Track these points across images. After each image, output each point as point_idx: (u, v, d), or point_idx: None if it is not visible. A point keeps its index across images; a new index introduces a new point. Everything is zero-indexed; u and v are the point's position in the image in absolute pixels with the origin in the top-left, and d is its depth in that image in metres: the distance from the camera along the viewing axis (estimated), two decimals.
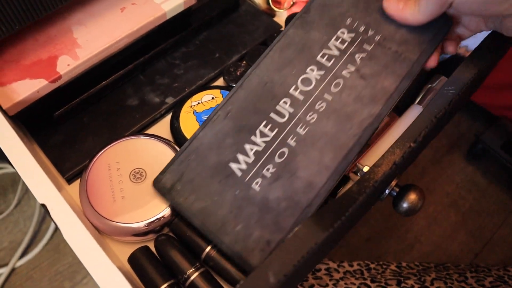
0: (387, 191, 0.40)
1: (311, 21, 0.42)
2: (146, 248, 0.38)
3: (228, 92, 0.46)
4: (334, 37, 0.41)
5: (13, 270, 0.91)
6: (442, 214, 1.05)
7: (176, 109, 0.45)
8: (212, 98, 0.46)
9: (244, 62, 0.50)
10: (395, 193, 0.40)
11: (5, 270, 0.89)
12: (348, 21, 0.41)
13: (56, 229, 0.97)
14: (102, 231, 0.39)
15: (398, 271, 0.71)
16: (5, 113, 0.40)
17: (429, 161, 1.16)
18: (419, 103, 0.46)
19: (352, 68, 0.39)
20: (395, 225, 1.05)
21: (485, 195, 1.12)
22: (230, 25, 0.53)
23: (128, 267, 0.37)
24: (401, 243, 1.06)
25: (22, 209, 0.99)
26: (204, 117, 0.44)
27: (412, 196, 0.39)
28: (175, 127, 0.44)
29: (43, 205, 0.32)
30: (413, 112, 0.43)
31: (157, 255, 0.38)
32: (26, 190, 1.01)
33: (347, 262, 0.58)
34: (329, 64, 0.40)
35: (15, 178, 1.03)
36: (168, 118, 0.47)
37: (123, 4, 0.48)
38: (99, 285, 0.30)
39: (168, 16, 0.49)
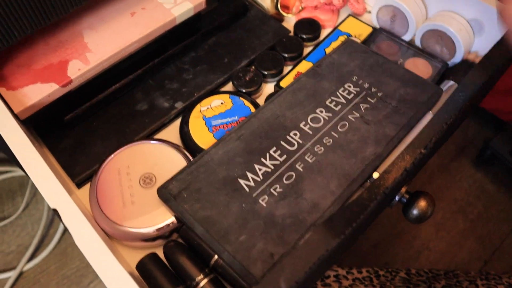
0: (397, 198, 0.40)
1: (322, 74, 0.47)
2: (155, 255, 0.38)
3: (237, 97, 0.47)
4: (341, 89, 0.46)
5: (21, 274, 0.91)
6: (450, 221, 1.04)
7: (185, 114, 0.45)
8: (222, 103, 0.46)
9: (253, 67, 0.50)
10: (405, 200, 0.40)
11: (13, 274, 0.89)
12: (354, 78, 0.47)
13: (64, 233, 0.97)
14: (112, 236, 0.39)
15: (408, 278, 0.70)
16: (16, 117, 0.40)
17: (437, 167, 1.16)
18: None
19: (357, 114, 0.43)
20: (402, 231, 1.04)
21: (494, 202, 1.11)
22: (238, 30, 0.54)
23: (137, 273, 0.37)
24: (409, 249, 1.05)
25: (30, 212, 0.99)
26: (214, 122, 0.44)
27: (422, 203, 0.39)
28: (184, 132, 0.44)
29: (54, 210, 0.32)
30: (424, 118, 0.43)
31: (165, 261, 0.38)
32: (34, 194, 1.01)
33: (356, 269, 0.58)
34: (337, 108, 0.44)
35: (23, 182, 1.03)
36: (177, 122, 0.47)
37: (133, 8, 0.48)
38: None
39: (178, 21, 0.49)
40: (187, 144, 0.43)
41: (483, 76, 0.40)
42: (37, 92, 0.42)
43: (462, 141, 1.19)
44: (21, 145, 0.35)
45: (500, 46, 0.42)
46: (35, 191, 1.02)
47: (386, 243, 1.04)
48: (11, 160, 0.85)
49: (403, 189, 0.40)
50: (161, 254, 0.38)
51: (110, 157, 0.41)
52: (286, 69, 0.52)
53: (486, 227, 1.10)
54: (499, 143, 1.04)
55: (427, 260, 1.01)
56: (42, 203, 1.00)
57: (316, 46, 0.53)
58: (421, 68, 0.50)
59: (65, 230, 0.96)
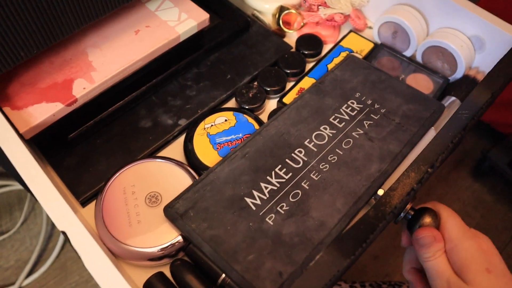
0: (402, 214, 0.40)
1: (325, 90, 0.47)
2: (161, 274, 0.38)
3: (240, 114, 0.47)
4: (345, 105, 0.46)
5: None
6: None
7: (189, 131, 0.45)
8: (225, 120, 0.46)
9: (256, 83, 0.50)
10: (410, 216, 0.40)
11: None
12: (357, 94, 0.47)
13: (63, 247, 0.96)
14: (118, 255, 0.39)
15: None
16: (21, 137, 0.40)
17: (436, 178, 1.16)
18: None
19: (361, 131, 0.43)
20: None
21: (492, 213, 1.11)
22: (241, 46, 0.54)
23: None
24: None
25: (29, 227, 0.99)
26: (218, 139, 0.44)
27: (427, 220, 0.39)
28: (189, 150, 0.44)
29: (63, 232, 0.32)
30: (427, 135, 0.44)
31: (172, 280, 0.38)
32: (32, 208, 1.01)
33: (359, 282, 0.58)
34: (341, 125, 0.44)
35: (21, 196, 1.03)
36: (181, 139, 0.47)
37: (137, 26, 0.48)
38: None
39: (182, 39, 0.49)
40: (192, 162, 0.44)
41: (486, 94, 0.40)
42: (42, 112, 0.42)
43: (460, 152, 1.20)
44: (27, 166, 0.35)
45: (502, 63, 0.43)
46: (33, 205, 1.02)
47: (387, 254, 1.04)
48: (13, 176, 0.84)
49: (408, 206, 0.40)
50: (168, 273, 0.38)
51: (115, 176, 0.41)
52: (289, 85, 0.52)
53: None
54: (497, 154, 1.06)
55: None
56: (40, 217, 0.99)
57: (318, 62, 0.53)
58: (422, 83, 0.51)
59: (64, 244, 0.96)
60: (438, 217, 0.39)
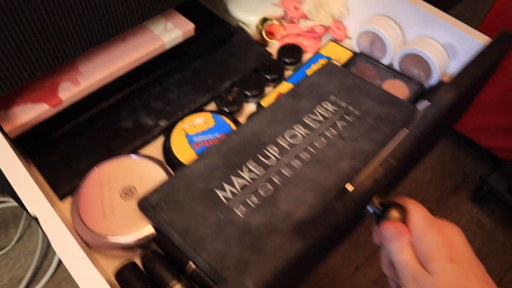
0: (371, 210, 0.40)
1: (301, 94, 0.49)
2: (133, 263, 0.38)
3: (219, 115, 0.48)
4: (320, 108, 0.47)
5: None
6: None
7: (168, 131, 0.47)
8: (204, 121, 0.47)
9: (236, 88, 0.52)
10: (378, 211, 0.40)
11: None
12: (333, 97, 0.48)
13: (58, 266, 0.96)
14: (91, 246, 0.39)
15: None
16: (6, 136, 0.42)
17: (435, 202, 1.16)
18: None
19: (334, 132, 0.45)
20: None
21: (491, 238, 1.10)
22: (224, 54, 0.56)
23: (115, 282, 0.38)
24: None
25: (24, 244, 0.97)
26: (196, 139, 0.46)
27: (394, 214, 0.39)
28: (166, 148, 0.45)
29: (35, 218, 0.33)
30: (398, 135, 0.45)
31: (143, 270, 0.38)
32: (28, 225, 1.00)
33: None
34: (315, 126, 0.45)
35: (17, 213, 1.01)
36: (161, 139, 0.49)
37: (124, 34, 0.51)
38: None
39: (167, 47, 0.52)
40: (169, 160, 0.45)
41: (452, 95, 0.41)
42: (28, 112, 0.44)
43: (460, 177, 1.19)
44: (6, 156, 0.36)
45: (468, 68, 0.44)
46: (29, 223, 1.00)
47: (386, 279, 1.03)
48: (2, 189, 0.85)
49: (377, 201, 0.40)
50: (139, 264, 0.39)
51: (92, 170, 0.43)
52: (268, 90, 0.54)
53: (484, 263, 1.07)
54: (496, 180, 1.06)
55: None
56: (36, 234, 0.98)
57: (297, 68, 0.55)
58: (399, 89, 0.52)
59: (60, 263, 0.95)
60: (406, 211, 0.39)
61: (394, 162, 0.37)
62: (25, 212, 0.99)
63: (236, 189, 0.40)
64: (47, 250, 0.97)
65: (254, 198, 0.39)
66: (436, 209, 1.12)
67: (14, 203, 1.01)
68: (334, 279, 0.99)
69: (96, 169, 0.43)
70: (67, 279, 0.94)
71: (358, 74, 0.53)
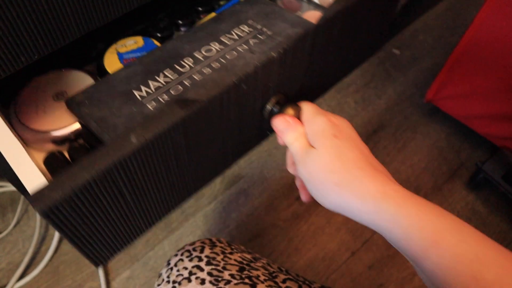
0: (269, 108, 0.46)
1: (222, 19, 0.54)
2: (60, 152, 0.45)
3: (149, 38, 0.55)
4: (237, 29, 0.53)
5: None
6: None
7: (103, 50, 0.54)
8: (135, 42, 0.54)
9: (167, 18, 0.59)
10: (276, 110, 0.45)
11: None
12: (250, 21, 0.54)
13: (56, 250, 0.94)
14: (27, 141, 0.46)
15: None
16: None
17: (430, 189, 1.14)
18: None
19: (246, 47, 0.50)
20: (397, 253, 1.01)
21: (485, 224, 1.08)
22: None
23: (44, 168, 0.44)
24: (403, 271, 1.01)
25: (22, 229, 0.97)
26: (125, 56, 0.52)
27: (289, 111, 0.43)
28: (99, 64, 0.52)
29: None
30: None
31: (69, 159, 0.45)
32: (25, 210, 0.99)
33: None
34: (229, 43, 0.51)
35: (14, 197, 1.00)
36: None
37: None
38: (20, 178, 0.38)
39: None
40: (101, 72, 0.52)
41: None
42: None
43: (455, 164, 1.18)
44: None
45: None
46: (26, 207, 0.99)
47: (381, 264, 1.02)
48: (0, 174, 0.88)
49: (274, 100, 0.45)
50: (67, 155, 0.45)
51: (32, 80, 0.49)
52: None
53: None
54: (492, 167, 1.06)
55: (421, 282, 0.97)
56: (33, 219, 0.97)
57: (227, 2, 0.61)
58: (316, 18, 0.57)
59: (58, 247, 0.95)
60: (300, 109, 0.42)
61: (275, 54, 0.42)
62: (22, 197, 0.98)
63: (151, 89, 0.46)
64: (45, 234, 0.96)
65: (165, 96, 0.45)
66: (432, 196, 1.11)
67: (11, 188, 1.00)
68: (330, 264, 1.00)
69: (34, 78, 0.49)
70: (64, 263, 0.94)
71: (282, 6, 0.58)
